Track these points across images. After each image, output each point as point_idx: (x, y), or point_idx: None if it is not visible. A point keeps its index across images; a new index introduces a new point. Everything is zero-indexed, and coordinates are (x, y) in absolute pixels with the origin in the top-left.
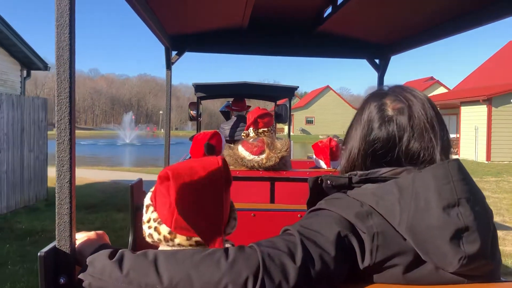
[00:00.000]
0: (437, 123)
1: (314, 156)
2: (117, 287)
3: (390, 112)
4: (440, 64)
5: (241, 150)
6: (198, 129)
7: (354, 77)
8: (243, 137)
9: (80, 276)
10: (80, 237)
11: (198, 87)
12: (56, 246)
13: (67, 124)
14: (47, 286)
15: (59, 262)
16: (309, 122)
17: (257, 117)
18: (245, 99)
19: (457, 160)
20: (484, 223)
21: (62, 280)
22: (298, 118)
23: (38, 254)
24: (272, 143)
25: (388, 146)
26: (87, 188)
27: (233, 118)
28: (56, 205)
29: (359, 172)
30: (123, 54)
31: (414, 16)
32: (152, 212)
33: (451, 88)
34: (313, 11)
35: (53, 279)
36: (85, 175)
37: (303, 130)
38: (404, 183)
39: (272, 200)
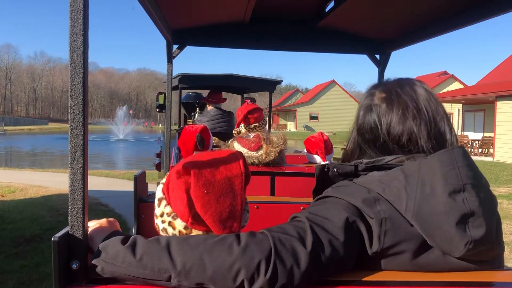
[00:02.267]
0: (425, 112)
1: (305, 151)
2: (130, 271)
3: (375, 101)
4: (451, 59)
5: (238, 146)
6: (180, 123)
7: (360, 72)
8: (234, 134)
9: (93, 261)
10: (92, 224)
11: (184, 78)
12: (69, 231)
13: (80, 110)
14: (60, 271)
15: (72, 247)
16: (314, 118)
17: (247, 113)
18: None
19: (462, 147)
20: (489, 209)
21: (74, 266)
22: (302, 114)
23: (52, 239)
24: (268, 138)
25: (372, 133)
26: (37, 204)
27: (210, 111)
28: (69, 190)
29: (365, 160)
30: (122, 48)
31: (415, 12)
32: (165, 206)
33: (467, 84)
34: (314, 6)
35: (65, 264)
36: (46, 181)
37: (307, 127)
38: (410, 169)
39: (272, 194)
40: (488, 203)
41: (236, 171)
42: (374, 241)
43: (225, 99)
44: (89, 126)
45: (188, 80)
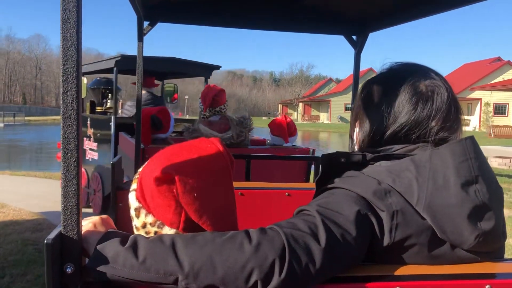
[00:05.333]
0: (438, 100)
1: (270, 135)
2: (132, 275)
3: (387, 88)
4: (506, 43)
5: (205, 129)
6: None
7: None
8: (202, 118)
9: (90, 265)
10: (84, 224)
11: (123, 60)
12: (62, 232)
13: (74, 97)
14: (53, 276)
15: (65, 249)
16: (349, 109)
17: (213, 96)
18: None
19: (473, 137)
20: (498, 201)
21: (69, 270)
22: (336, 104)
23: (45, 241)
24: (234, 119)
25: (383, 121)
26: None
27: (142, 96)
28: (61, 187)
29: (372, 150)
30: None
31: None
32: (146, 215)
33: None
34: None
35: (59, 268)
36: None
37: (341, 118)
38: (420, 160)
39: (248, 178)
40: (497, 194)
41: (221, 163)
42: (385, 235)
43: (157, 84)
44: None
45: (127, 62)
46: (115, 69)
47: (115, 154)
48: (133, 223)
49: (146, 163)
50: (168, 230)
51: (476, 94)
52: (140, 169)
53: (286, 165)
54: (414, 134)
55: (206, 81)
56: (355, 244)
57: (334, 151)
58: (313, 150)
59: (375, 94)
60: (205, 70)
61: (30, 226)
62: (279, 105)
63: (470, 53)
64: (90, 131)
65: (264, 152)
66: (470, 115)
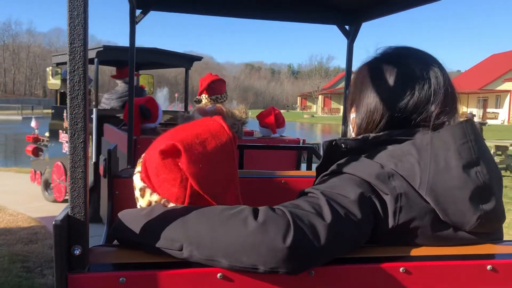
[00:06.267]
0: (438, 83)
1: (259, 126)
2: (144, 239)
3: (386, 73)
4: None
5: (199, 118)
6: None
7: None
8: (194, 103)
9: (112, 228)
10: None
11: (105, 51)
12: (69, 214)
13: (81, 76)
14: (61, 258)
15: (73, 231)
16: None
17: (210, 83)
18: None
19: (471, 119)
20: (498, 181)
21: (76, 251)
22: None
23: (53, 222)
24: (230, 110)
25: (383, 106)
26: None
27: (119, 88)
28: (69, 168)
29: (372, 134)
30: (170, 29)
31: None
32: (151, 195)
33: None
34: None
35: (66, 250)
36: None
37: None
38: (422, 143)
39: (241, 167)
40: (497, 175)
41: (224, 137)
42: (390, 218)
43: (137, 74)
44: None
45: (109, 53)
46: (96, 60)
47: (98, 147)
48: (138, 204)
49: (149, 147)
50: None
51: (505, 86)
52: (144, 154)
53: (277, 155)
54: (413, 119)
55: (187, 72)
56: (359, 225)
57: (335, 138)
58: (303, 140)
59: (371, 79)
60: (186, 61)
61: (24, 236)
62: (298, 97)
63: (497, 44)
64: (67, 124)
65: (255, 143)
66: (499, 108)
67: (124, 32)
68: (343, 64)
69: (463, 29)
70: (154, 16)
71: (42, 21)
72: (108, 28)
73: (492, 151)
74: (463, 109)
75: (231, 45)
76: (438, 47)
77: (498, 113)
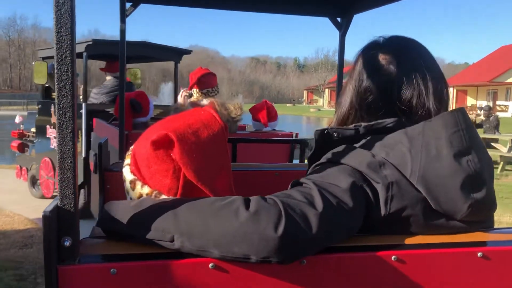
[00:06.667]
0: (429, 72)
1: (252, 120)
2: (134, 230)
3: (381, 62)
4: None
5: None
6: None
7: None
8: (185, 97)
9: (99, 221)
10: None
11: (94, 45)
12: (59, 205)
13: (68, 66)
14: (51, 249)
15: (63, 222)
16: None
17: (200, 77)
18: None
19: (463, 108)
20: (489, 170)
21: (66, 243)
22: None
23: (42, 214)
24: (224, 105)
25: (381, 97)
26: None
27: (109, 82)
28: (57, 159)
29: (363, 124)
30: (175, 24)
31: None
32: (142, 187)
33: None
34: None
35: (56, 242)
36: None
37: None
38: (413, 132)
39: (234, 161)
40: (488, 164)
41: (216, 127)
42: (381, 206)
43: (126, 68)
44: None
45: (98, 47)
46: (85, 54)
47: (88, 141)
48: (128, 197)
49: (138, 138)
50: (165, 198)
51: None
52: (132, 146)
53: (270, 149)
54: (405, 108)
55: (176, 65)
56: (351, 214)
57: (326, 127)
58: (296, 134)
59: (367, 69)
60: (175, 54)
61: (19, 239)
62: (304, 91)
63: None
64: (54, 119)
65: (248, 137)
66: (509, 101)
67: (128, 26)
68: (348, 57)
69: (470, 19)
70: (158, 9)
71: (47, 16)
72: (115, 22)
73: (508, 146)
74: (472, 101)
75: (236, 38)
76: (443, 39)
77: (508, 105)
